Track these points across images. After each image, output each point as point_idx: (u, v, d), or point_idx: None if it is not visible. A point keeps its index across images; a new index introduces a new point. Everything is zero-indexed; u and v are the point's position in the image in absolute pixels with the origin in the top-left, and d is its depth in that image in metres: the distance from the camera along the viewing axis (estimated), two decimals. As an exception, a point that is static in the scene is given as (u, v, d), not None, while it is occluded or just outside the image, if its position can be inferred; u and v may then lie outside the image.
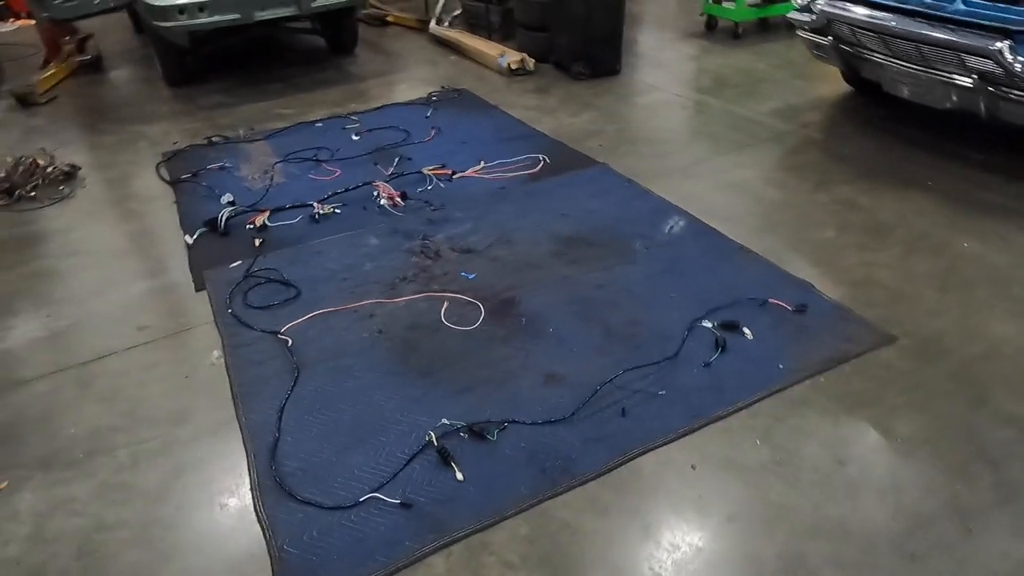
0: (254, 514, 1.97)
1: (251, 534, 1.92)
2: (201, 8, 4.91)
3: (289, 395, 2.39)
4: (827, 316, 2.63)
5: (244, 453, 2.17)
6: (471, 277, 3.00)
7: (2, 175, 4.10)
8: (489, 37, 6.29)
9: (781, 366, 2.40)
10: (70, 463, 2.19)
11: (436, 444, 2.12)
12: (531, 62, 5.55)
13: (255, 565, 1.83)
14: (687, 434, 2.16)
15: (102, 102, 5.61)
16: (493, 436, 2.17)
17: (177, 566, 1.85)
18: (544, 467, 2.07)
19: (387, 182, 3.78)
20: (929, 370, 2.36)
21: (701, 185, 3.66)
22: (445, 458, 2.09)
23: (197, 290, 3.03)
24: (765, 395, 2.28)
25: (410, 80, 5.64)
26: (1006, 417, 2.17)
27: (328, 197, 3.68)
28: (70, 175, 4.22)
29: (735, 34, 6.14)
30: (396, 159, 4.15)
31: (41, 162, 4.25)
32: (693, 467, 2.05)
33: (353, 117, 4.83)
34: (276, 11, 5.19)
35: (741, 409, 2.23)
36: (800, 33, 4.34)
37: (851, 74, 4.41)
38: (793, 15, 4.29)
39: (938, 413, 2.19)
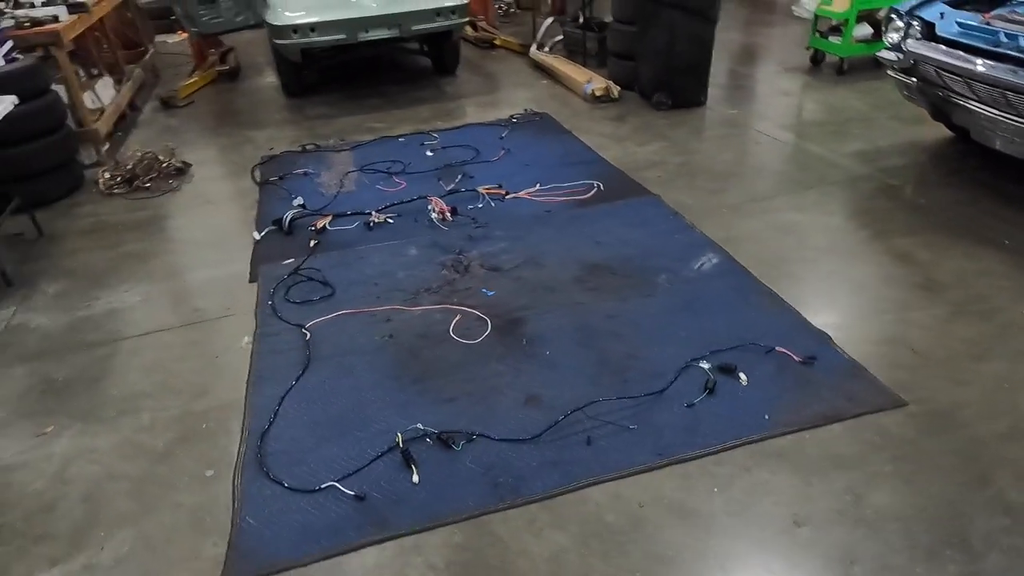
0: (231, 485, 2.19)
1: (223, 502, 2.13)
2: (312, 29, 5.42)
3: (294, 384, 2.61)
4: (836, 371, 2.49)
5: (240, 430, 2.41)
6: (490, 294, 3.11)
7: (129, 167, 4.75)
8: (584, 64, 6.39)
9: (767, 416, 2.31)
10: (103, 419, 2.53)
11: (401, 446, 2.25)
12: (616, 90, 5.59)
13: (218, 530, 2.04)
14: (645, 472, 2.14)
15: (228, 108, 6.29)
16: (458, 446, 2.27)
17: (155, 519, 2.10)
18: (497, 482, 2.14)
19: (442, 197, 3.99)
20: (931, 442, 2.18)
21: (750, 224, 3.56)
22: (407, 460, 2.21)
23: (250, 281, 3.37)
24: (739, 443, 2.21)
25: (498, 102, 5.86)
26: (1006, 505, 1.97)
27: (386, 207, 3.95)
28: (182, 171, 4.80)
29: (840, 70, 5.84)
30: (459, 176, 4.36)
31: (161, 158, 4.86)
32: (640, 505, 2.03)
33: (434, 134, 5.11)
34: (379, 32, 5.61)
35: (709, 454, 2.18)
36: (889, 73, 4.10)
37: (942, 119, 4.09)
38: (883, 53, 4.06)
39: (925, 489, 2.03)
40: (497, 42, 7.66)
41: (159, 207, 4.30)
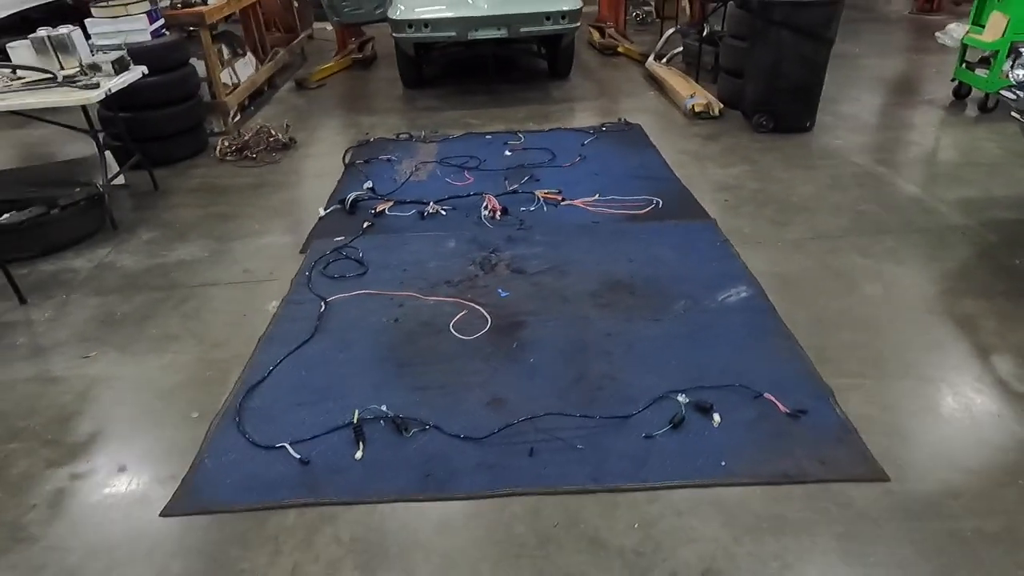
0: (206, 429, 2.42)
1: (194, 442, 2.37)
2: (425, 24, 5.70)
3: (294, 350, 2.82)
4: (823, 431, 2.27)
5: (234, 383, 2.65)
6: (504, 295, 3.15)
7: (245, 138, 5.28)
8: (697, 78, 6.18)
9: (724, 463, 2.16)
10: (134, 353, 2.88)
11: (355, 423, 2.36)
12: (717, 107, 5.36)
13: (180, 465, 2.27)
14: (574, 493, 2.09)
15: (350, 93, 6.78)
16: (408, 433, 2.34)
17: (136, 446, 2.38)
18: (429, 474, 2.20)
19: (501, 196, 4.07)
20: (897, 526, 1.94)
21: (802, 262, 3.30)
22: (357, 437, 2.32)
23: (300, 252, 3.65)
24: (682, 485, 2.09)
25: (597, 109, 5.83)
26: (959, 612, 1.72)
27: (444, 200, 4.10)
28: (287, 146, 5.26)
29: (984, 107, 5.19)
30: (526, 177, 4.41)
31: (274, 132, 5.35)
32: (555, 525, 2.00)
33: (520, 134, 5.20)
34: (488, 32, 5.79)
35: (646, 490, 2.09)
36: (1013, 115, 3.60)
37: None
38: (1004, 92, 3.58)
39: (870, 571, 1.81)
40: (620, 50, 7.59)
41: (256, 176, 4.75)
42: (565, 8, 5.73)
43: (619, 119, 5.45)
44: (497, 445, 2.29)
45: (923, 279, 3.12)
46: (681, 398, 2.42)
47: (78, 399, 2.62)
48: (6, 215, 3.72)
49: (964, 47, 5.31)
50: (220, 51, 5.82)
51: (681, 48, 6.74)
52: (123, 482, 2.24)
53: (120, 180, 4.60)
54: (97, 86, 3.74)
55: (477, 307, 3.05)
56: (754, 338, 2.76)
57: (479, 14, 5.67)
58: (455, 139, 5.22)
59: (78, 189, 3.90)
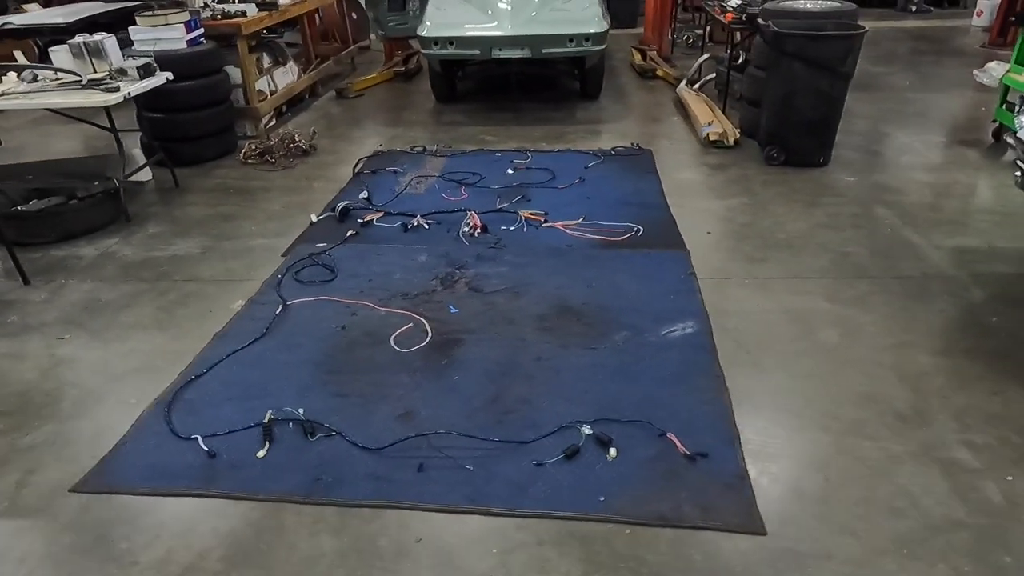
0: (138, 413, 2.59)
1: (124, 424, 2.54)
2: (450, 42, 5.85)
3: (241, 348, 2.97)
4: (716, 477, 2.22)
5: (177, 374, 2.82)
6: (454, 311, 3.21)
7: (271, 143, 5.57)
8: (724, 107, 6.07)
9: (602, 499, 2.15)
10: (104, 340, 3.11)
11: (266, 423, 2.47)
12: (732, 137, 5.25)
13: (103, 448, 2.44)
14: (447, 512, 2.13)
15: (383, 105, 7.02)
16: (313, 437, 2.44)
17: (73, 425, 2.57)
18: (319, 478, 2.28)
19: (483, 214, 4.14)
20: (759, 583, 1.87)
21: (763, 302, 3.20)
22: (265, 436, 2.44)
23: (282, 255, 3.83)
24: (552, 516, 2.09)
25: (616, 132, 5.81)
26: None
27: (431, 214, 4.20)
28: (307, 153, 5.51)
29: (1021, 151, 4.87)
30: (518, 197, 4.46)
31: (297, 138, 5.62)
32: (417, 541, 2.04)
33: (529, 154, 5.25)
34: (512, 52, 5.88)
35: (518, 516, 2.10)
36: (1019, 163, 3.38)
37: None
38: (1008, 139, 3.38)
39: (709, 628, 1.77)
40: (659, 73, 7.54)
41: (269, 180, 5.00)
42: (590, 31, 5.76)
43: (632, 143, 5.42)
44: (391, 457, 2.35)
45: (885, 330, 2.97)
46: (585, 429, 2.41)
47: (40, 376, 2.86)
48: (32, 202, 4.08)
49: (1005, 87, 5.01)
50: (260, 59, 6.16)
51: (714, 75, 6.63)
52: (51, 456, 2.43)
53: (147, 176, 4.97)
54: (117, 90, 4.06)
55: (423, 321, 3.12)
56: (681, 376, 2.71)
57: (503, 34, 5.78)
58: (465, 155, 5.33)
59: (96, 183, 4.23)
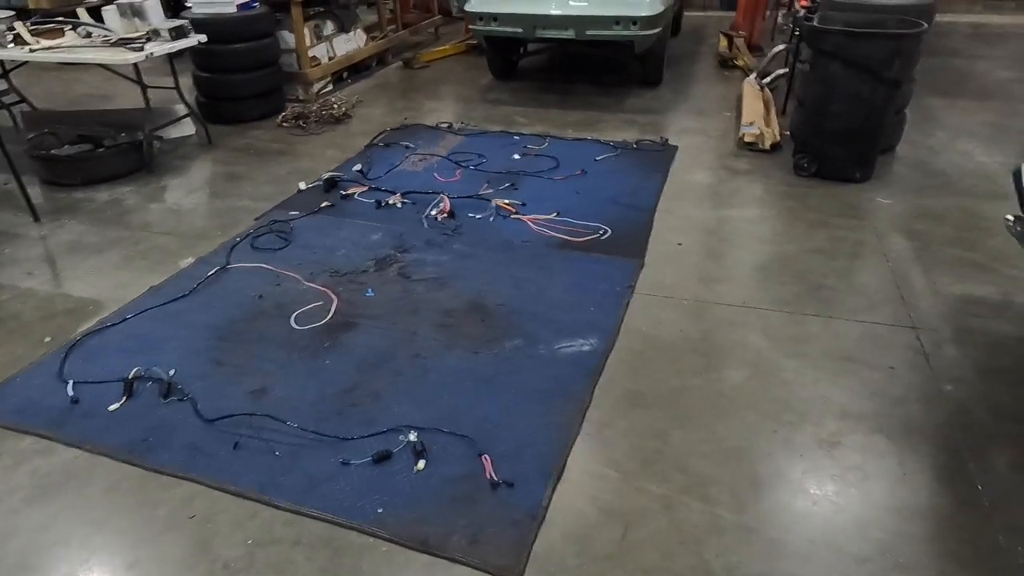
0: (45, 352, 2.83)
1: (29, 359, 2.78)
2: (494, 19, 5.73)
3: (165, 303, 3.14)
4: (509, 510, 2.05)
5: (99, 320, 3.04)
6: (369, 295, 3.19)
7: (313, 108, 5.77)
8: (784, 105, 5.49)
9: (380, 510, 2.06)
10: (62, 279, 3.42)
11: (129, 378, 2.60)
12: (770, 140, 4.74)
13: (5, 373, 2.69)
14: (234, 495, 2.14)
15: (442, 78, 7.03)
16: (166, 398, 2.54)
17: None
18: (147, 439, 2.37)
19: (455, 198, 4.05)
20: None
21: (689, 327, 2.89)
22: (126, 390, 2.56)
23: (255, 219, 3.98)
24: (323, 518, 2.04)
25: (655, 124, 5.44)
26: None
27: (407, 192, 4.17)
28: (339, 120, 5.66)
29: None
30: (507, 184, 4.32)
31: (336, 105, 5.79)
32: (191, 518, 2.07)
33: (546, 140, 5.06)
34: (555, 32, 5.67)
35: (291, 512, 2.07)
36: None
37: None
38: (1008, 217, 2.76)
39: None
40: (739, 63, 6.95)
41: (292, 144, 5.20)
42: (638, 14, 5.39)
43: (661, 138, 5.06)
44: (219, 430, 2.40)
45: (806, 380, 2.59)
46: (411, 435, 2.33)
47: (-5, 303, 3.20)
48: (64, 147, 4.52)
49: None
50: (319, 26, 6.37)
51: (786, 69, 6.00)
52: (-45, 379, 2.72)
53: (190, 130, 5.34)
54: (141, 49, 4.37)
55: (334, 300, 3.13)
56: (545, 396, 2.52)
57: (545, 13, 5.56)
58: (484, 135, 5.23)
59: (123, 134, 4.60)
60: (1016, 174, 2.55)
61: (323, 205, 4.09)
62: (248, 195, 4.33)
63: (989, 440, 2.30)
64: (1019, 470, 2.18)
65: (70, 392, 2.58)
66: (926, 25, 3.93)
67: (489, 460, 2.21)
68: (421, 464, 2.22)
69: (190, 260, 3.54)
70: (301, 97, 6.16)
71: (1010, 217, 2.50)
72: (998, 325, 2.89)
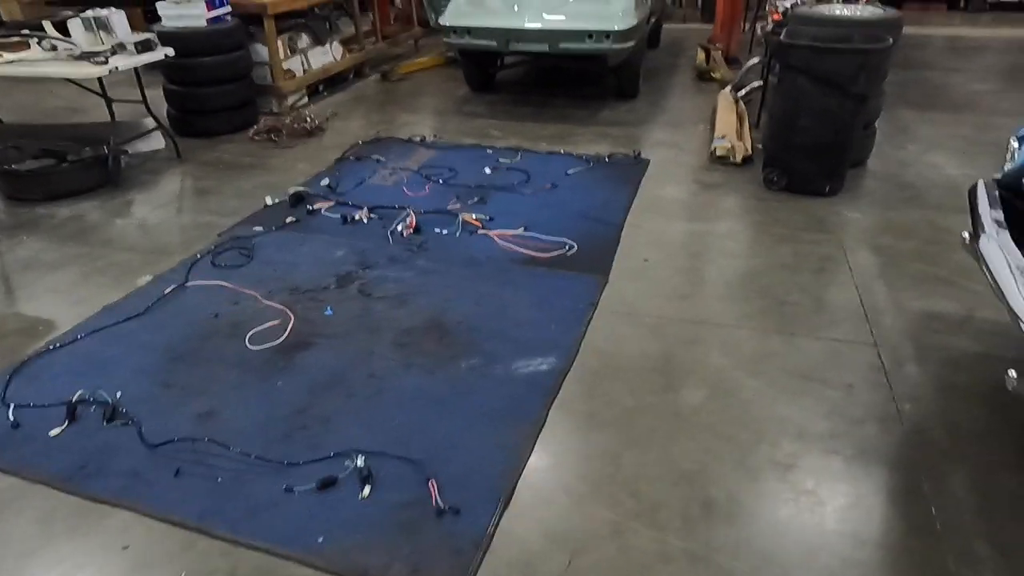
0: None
1: (-31, 384, 2.72)
2: (468, 32, 5.71)
3: (118, 323, 3.07)
4: (453, 538, 1.99)
5: (49, 340, 2.97)
6: (328, 313, 3.14)
7: (286, 121, 5.72)
8: (758, 117, 5.50)
9: (321, 539, 2.00)
10: (15, 297, 3.35)
11: (74, 401, 2.53)
12: (741, 154, 4.74)
13: (-59, 401, 2.62)
14: (172, 524, 2.07)
15: (419, 90, 7.00)
16: (110, 422, 2.47)
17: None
18: (85, 465, 2.30)
19: (422, 214, 4.01)
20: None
21: (648, 345, 2.86)
22: (69, 415, 2.49)
23: (218, 235, 3.92)
24: (261, 548, 1.98)
25: (628, 137, 5.43)
26: None
27: (374, 208, 4.13)
28: (311, 134, 5.61)
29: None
30: (475, 198, 4.29)
31: (309, 118, 5.74)
32: (125, 547, 2.01)
33: (518, 153, 5.03)
34: (529, 46, 5.66)
35: (228, 541, 2.01)
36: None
37: None
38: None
39: None
40: (715, 75, 6.96)
41: (262, 158, 5.15)
42: (610, 28, 5.39)
43: (633, 151, 5.04)
44: (161, 456, 2.33)
45: (764, 399, 2.55)
46: (358, 460, 2.27)
47: (-56, 324, 3.13)
48: (28, 162, 4.45)
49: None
50: (293, 39, 6.34)
51: (761, 82, 6.01)
52: None
53: (159, 144, 5.28)
54: (106, 63, 4.31)
55: (292, 320, 3.08)
56: (499, 417, 2.48)
57: (518, 26, 5.55)
58: (457, 149, 5.20)
59: (87, 149, 4.54)
60: (971, 191, 2.54)
61: (288, 220, 4.03)
62: (213, 210, 4.27)
63: (945, 460, 2.27)
64: (973, 492, 2.15)
65: (10, 416, 2.51)
66: (892, 40, 3.94)
67: (436, 485, 2.16)
68: (367, 490, 2.16)
69: (148, 278, 3.47)
70: (275, 110, 6.12)
71: (965, 234, 2.48)
72: (958, 341, 2.87)
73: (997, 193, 2.52)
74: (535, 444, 2.36)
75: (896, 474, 2.23)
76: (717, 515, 2.08)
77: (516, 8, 5.70)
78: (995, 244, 2.27)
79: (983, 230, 2.39)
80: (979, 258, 2.33)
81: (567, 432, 2.42)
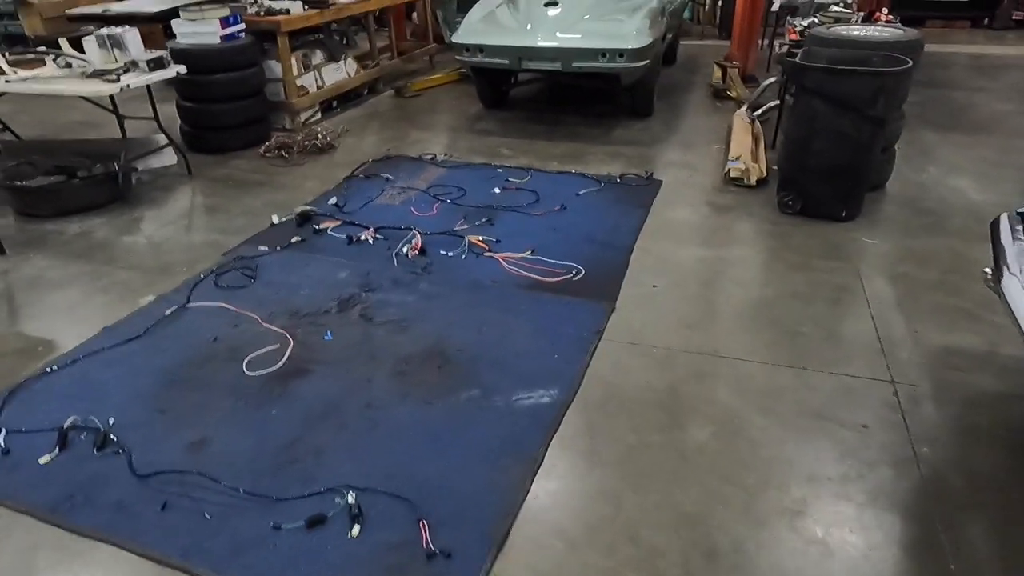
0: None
1: (-36, 407, 2.70)
2: (480, 50, 5.68)
3: (116, 345, 3.04)
4: (446, 569, 1.92)
5: (46, 362, 2.94)
6: (328, 338, 3.08)
7: (298, 138, 5.72)
8: (774, 138, 5.39)
9: (305, 582, 1.94)
10: (16, 317, 3.33)
11: (64, 428, 2.49)
12: (756, 176, 4.64)
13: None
14: (154, 561, 2.02)
15: (432, 107, 6.98)
16: (100, 452, 2.42)
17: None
18: (73, 495, 2.26)
19: (428, 235, 3.96)
20: None
21: (655, 378, 2.76)
22: (59, 441, 2.45)
23: (223, 255, 3.90)
24: (240, 590, 1.92)
25: (641, 157, 5.35)
26: None
27: (380, 228, 4.09)
28: (323, 151, 5.60)
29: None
30: (483, 219, 4.23)
31: (321, 135, 5.74)
32: (105, 585, 1.96)
33: (529, 173, 4.98)
34: (541, 64, 5.62)
35: (210, 583, 1.95)
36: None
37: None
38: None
39: None
40: (731, 94, 6.87)
41: (272, 175, 5.14)
42: (625, 46, 5.33)
43: (646, 172, 4.96)
44: (149, 488, 2.28)
45: (772, 440, 2.45)
46: (350, 496, 2.20)
47: (-55, 342, 3.12)
48: (39, 178, 4.47)
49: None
50: (307, 56, 6.35)
51: (777, 101, 5.91)
52: None
53: (171, 160, 5.30)
54: (117, 80, 4.33)
55: (291, 344, 3.03)
56: (496, 452, 2.40)
57: (530, 45, 5.51)
58: (467, 167, 5.16)
59: (98, 165, 4.55)
60: (993, 225, 2.43)
61: (293, 240, 4.00)
62: (220, 228, 4.25)
63: (963, 509, 2.15)
64: (992, 543, 2.03)
65: (1, 443, 2.48)
66: (911, 62, 3.83)
67: (427, 526, 2.08)
68: (356, 529, 2.09)
69: (150, 298, 3.45)
70: (287, 127, 6.13)
71: (988, 270, 2.36)
72: (980, 379, 2.74)
73: (1021, 227, 2.40)
74: (531, 483, 2.27)
75: (911, 523, 2.12)
76: (721, 565, 1.98)
77: (529, 26, 5.67)
78: (1018, 283, 2.16)
79: (1007, 266, 2.28)
80: (1002, 297, 2.22)
81: (566, 470, 2.33)
